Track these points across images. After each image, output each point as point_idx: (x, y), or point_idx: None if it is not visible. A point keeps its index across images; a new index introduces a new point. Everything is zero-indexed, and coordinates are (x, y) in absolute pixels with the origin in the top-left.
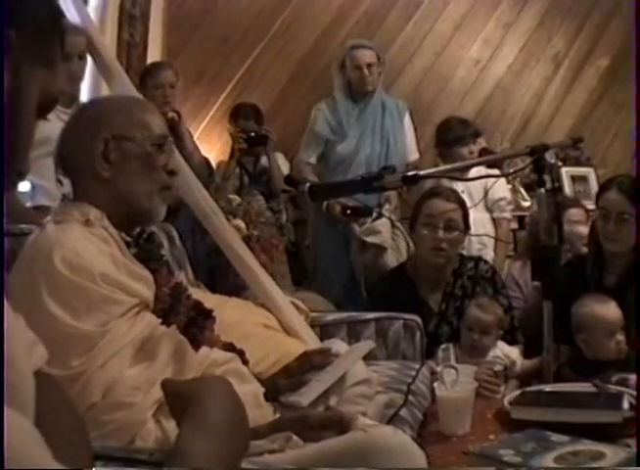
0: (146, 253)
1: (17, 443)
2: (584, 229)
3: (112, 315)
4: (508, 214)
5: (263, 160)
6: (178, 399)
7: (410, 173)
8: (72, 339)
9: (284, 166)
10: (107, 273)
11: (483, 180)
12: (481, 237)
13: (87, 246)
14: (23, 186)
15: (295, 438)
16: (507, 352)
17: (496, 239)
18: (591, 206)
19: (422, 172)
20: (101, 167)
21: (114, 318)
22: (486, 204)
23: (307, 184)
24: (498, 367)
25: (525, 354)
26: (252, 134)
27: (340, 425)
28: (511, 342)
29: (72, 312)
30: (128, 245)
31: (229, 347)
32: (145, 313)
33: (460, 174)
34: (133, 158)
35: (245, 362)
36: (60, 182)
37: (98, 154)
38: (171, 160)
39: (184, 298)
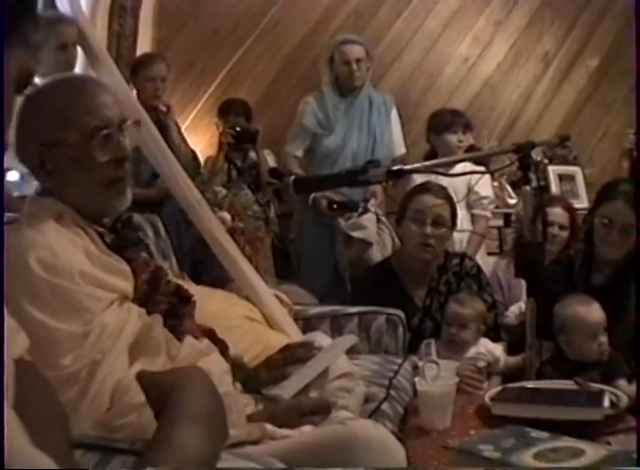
0: (123, 238)
1: None
2: (558, 231)
3: (95, 312)
4: (488, 213)
5: (252, 154)
6: (156, 390)
7: (395, 168)
8: (59, 340)
9: (272, 163)
10: (84, 271)
11: (467, 178)
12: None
13: (62, 243)
14: (12, 176)
15: (269, 427)
16: (490, 349)
17: (473, 232)
18: (578, 205)
19: (406, 167)
20: (43, 180)
21: (98, 315)
22: (468, 201)
23: (292, 177)
24: (481, 363)
25: (509, 351)
26: (241, 130)
27: (327, 411)
28: (494, 339)
29: (55, 315)
30: (102, 235)
31: (209, 333)
32: (129, 305)
33: (445, 170)
34: (68, 163)
35: (224, 353)
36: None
37: (37, 167)
38: (122, 145)
39: (163, 283)
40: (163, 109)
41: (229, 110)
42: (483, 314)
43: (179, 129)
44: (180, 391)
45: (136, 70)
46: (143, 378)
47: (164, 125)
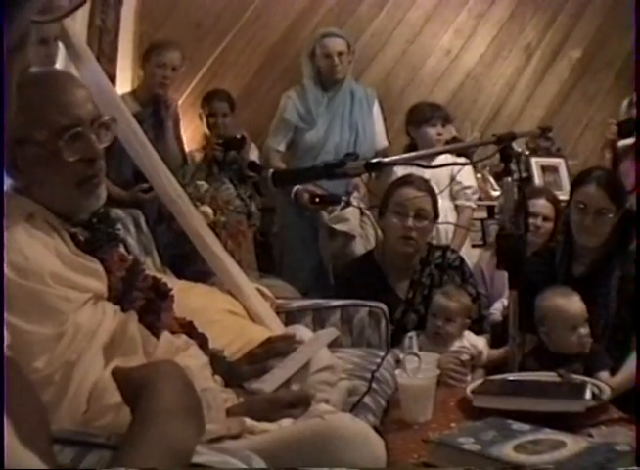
0: (98, 236)
1: None
2: (542, 222)
3: (67, 313)
4: (472, 203)
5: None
6: (131, 385)
7: (373, 160)
8: (32, 343)
9: (256, 157)
10: (56, 272)
11: (450, 168)
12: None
13: (33, 245)
14: None
15: (249, 421)
16: (474, 342)
17: (456, 225)
18: (562, 196)
19: (385, 159)
20: (15, 177)
21: (71, 316)
22: (451, 191)
23: (271, 170)
24: (465, 357)
25: (492, 344)
26: (227, 140)
27: (307, 403)
28: (478, 331)
29: (27, 318)
30: (75, 235)
31: (187, 327)
32: (103, 304)
33: (427, 162)
34: (37, 161)
35: (203, 346)
36: None
37: (8, 164)
38: (93, 143)
39: (140, 279)
40: (169, 101)
41: (212, 97)
42: (469, 308)
43: (178, 123)
44: (153, 384)
45: (149, 53)
46: (117, 373)
47: (162, 118)
